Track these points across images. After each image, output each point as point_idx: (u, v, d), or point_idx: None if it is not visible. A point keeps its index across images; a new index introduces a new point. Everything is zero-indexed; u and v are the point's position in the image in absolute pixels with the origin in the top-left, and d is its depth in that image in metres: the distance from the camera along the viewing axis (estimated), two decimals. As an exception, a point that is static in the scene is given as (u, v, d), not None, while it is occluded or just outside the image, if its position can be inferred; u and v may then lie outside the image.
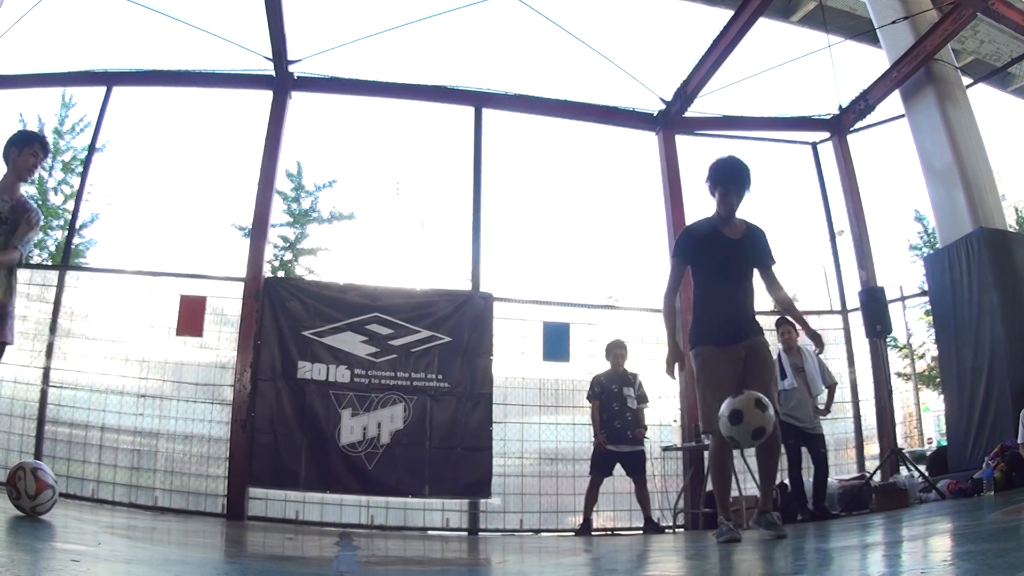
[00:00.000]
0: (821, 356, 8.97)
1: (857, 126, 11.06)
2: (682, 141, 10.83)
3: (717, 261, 5.38)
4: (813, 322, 10.58)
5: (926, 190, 9.91)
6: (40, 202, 19.21)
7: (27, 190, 5.48)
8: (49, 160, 19.57)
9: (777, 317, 9.24)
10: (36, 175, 6.00)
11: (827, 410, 8.69)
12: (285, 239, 21.00)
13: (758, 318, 5.52)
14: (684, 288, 6.42)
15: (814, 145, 11.38)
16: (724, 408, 4.86)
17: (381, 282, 9.71)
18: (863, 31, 11.48)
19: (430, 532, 8.79)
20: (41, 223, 5.46)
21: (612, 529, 9.11)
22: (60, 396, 8.48)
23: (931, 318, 10.97)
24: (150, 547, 4.50)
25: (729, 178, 5.37)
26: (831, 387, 8.73)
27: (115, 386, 8.65)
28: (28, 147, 5.29)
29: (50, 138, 19.59)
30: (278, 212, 20.29)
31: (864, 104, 10.62)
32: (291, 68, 9.70)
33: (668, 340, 5.67)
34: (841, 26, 12.50)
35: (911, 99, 10.05)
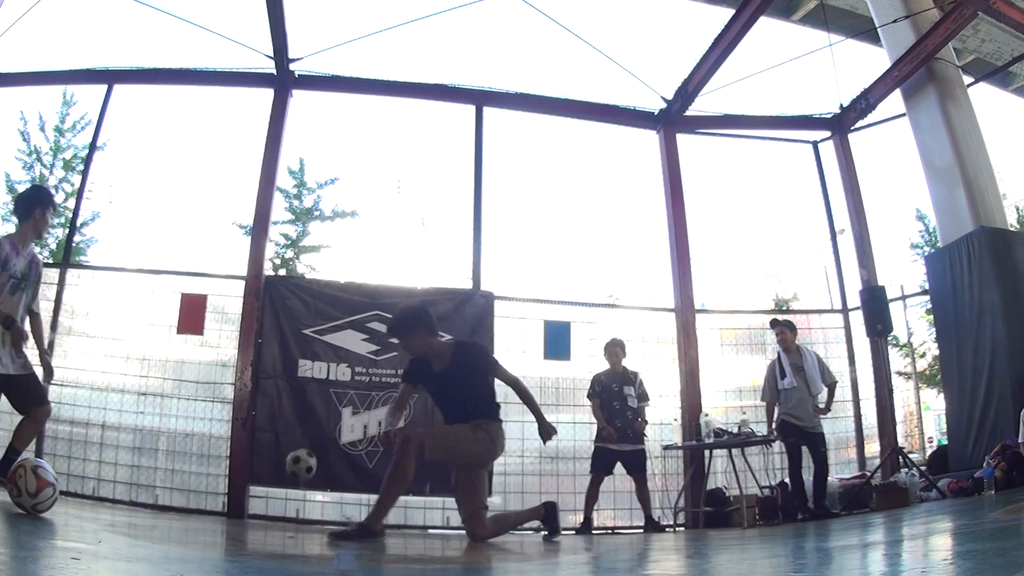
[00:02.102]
0: (821, 355, 9.02)
1: (858, 125, 11.06)
2: (683, 140, 10.84)
3: (432, 390, 6.21)
4: (814, 321, 10.70)
5: (927, 189, 9.91)
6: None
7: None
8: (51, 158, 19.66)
9: (771, 319, 9.28)
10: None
11: (827, 409, 8.68)
12: (287, 236, 20.99)
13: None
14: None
15: (815, 144, 11.38)
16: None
17: (382, 280, 9.72)
18: (864, 30, 11.48)
19: (430, 530, 8.78)
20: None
21: (613, 528, 9.11)
22: (61, 394, 8.47)
23: (932, 317, 10.96)
24: (151, 545, 4.49)
25: (391, 335, 6.26)
26: (831, 386, 8.72)
27: (116, 384, 8.65)
28: (52, 208, 5.82)
29: (51, 136, 19.64)
30: (280, 210, 20.29)
31: (865, 103, 10.62)
32: (292, 66, 9.70)
33: None
34: (842, 25, 12.49)
35: (912, 98, 10.05)
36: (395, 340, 6.25)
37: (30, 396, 5.53)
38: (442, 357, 5.93)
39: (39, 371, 5.71)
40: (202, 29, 9.67)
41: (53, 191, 6.49)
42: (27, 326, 5.67)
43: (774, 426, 8.70)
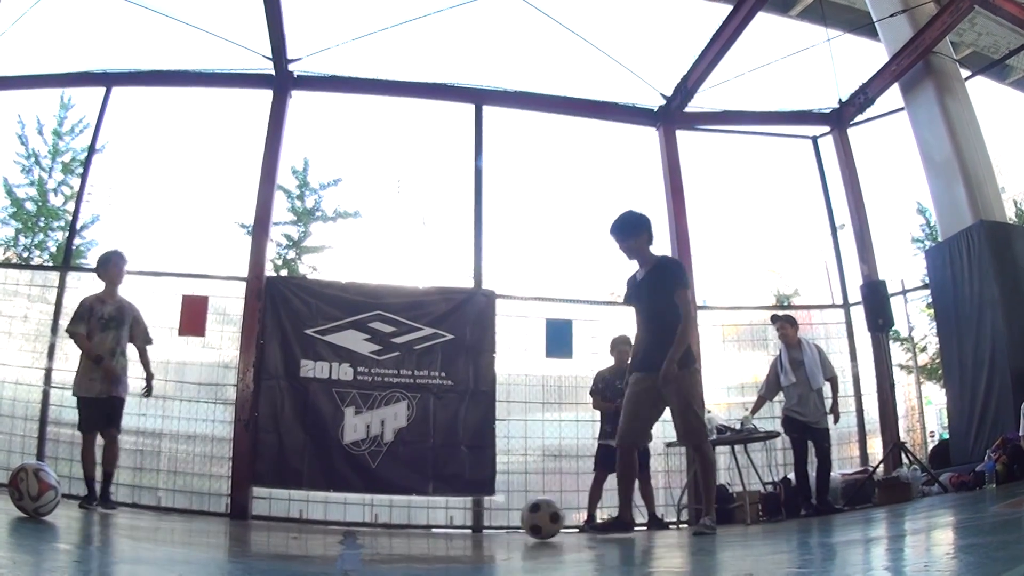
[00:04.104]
0: (823, 349, 9.01)
1: (857, 120, 11.06)
2: (683, 136, 10.83)
3: (635, 301, 6.37)
4: (815, 316, 10.70)
5: (926, 183, 9.92)
6: (40, 203, 19.23)
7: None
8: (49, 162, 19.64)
9: (771, 314, 9.27)
10: (120, 281, 7.58)
11: (834, 411, 8.62)
12: (289, 237, 20.97)
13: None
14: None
15: (814, 139, 11.39)
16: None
17: (383, 280, 9.72)
18: (862, 24, 11.47)
19: (434, 530, 8.79)
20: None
21: (616, 525, 9.10)
22: (62, 397, 8.45)
23: (932, 311, 10.96)
24: (154, 547, 4.50)
25: (612, 235, 6.33)
26: (831, 380, 8.69)
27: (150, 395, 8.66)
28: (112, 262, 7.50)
29: (49, 139, 19.60)
30: (282, 210, 20.27)
31: (864, 97, 10.62)
32: (291, 67, 9.69)
33: None
34: (840, 20, 12.50)
35: (910, 92, 10.06)
36: (617, 240, 6.29)
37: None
38: (647, 265, 6.28)
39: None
40: (200, 31, 9.66)
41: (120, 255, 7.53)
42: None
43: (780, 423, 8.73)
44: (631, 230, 6.25)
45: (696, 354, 6.63)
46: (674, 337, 5.89)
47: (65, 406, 8.47)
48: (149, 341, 7.55)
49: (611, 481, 8.54)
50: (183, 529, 6.36)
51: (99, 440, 7.14)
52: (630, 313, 6.55)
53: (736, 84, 10.71)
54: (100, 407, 7.06)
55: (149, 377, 7.44)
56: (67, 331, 7.30)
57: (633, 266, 6.37)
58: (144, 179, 28.11)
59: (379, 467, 8.60)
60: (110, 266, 7.47)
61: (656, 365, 5.86)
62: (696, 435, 6.10)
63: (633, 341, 6.65)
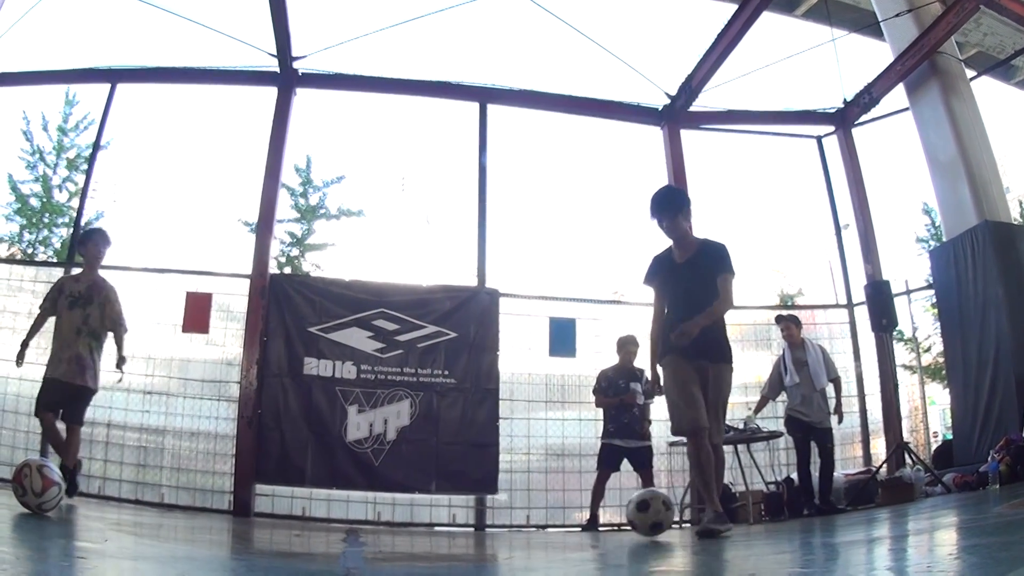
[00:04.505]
0: (827, 349, 9.01)
1: (862, 119, 11.05)
2: (687, 135, 10.80)
3: (671, 285, 5.83)
4: (819, 316, 10.69)
5: (931, 183, 9.90)
6: (44, 199, 19.25)
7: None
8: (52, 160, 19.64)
9: (776, 314, 9.26)
10: (99, 261, 7.32)
11: (838, 411, 8.62)
12: (292, 235, 20.98)
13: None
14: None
15: (819, 139, 11.38)
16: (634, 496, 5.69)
17: (387, 278, 9.73)
18: (867, 24, 11.45)
19: (437, 528, 8.80)
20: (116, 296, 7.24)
21: (619, 524, 9.09)
22: (66, 393, 8.50)
23: (936, 311, 10.95)
24: (157, 544, 4.51)
25: (653, 211, 5.81)
26: (834, 381, 8.69)
27: (121, 383, 8.66)
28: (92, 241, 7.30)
29: (54, 135, 19.62)
30: (285, 208, 20.28)
31: (868, 97, 10.61)
32: (295, 65, 9.69)
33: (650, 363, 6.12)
34: (845, 19, 12.48)
35: (915, 92, 10.04)
36: (658, 217, 5.77)
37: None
38: (689, 247, 5.78)
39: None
40: (205, 28, 9.67)
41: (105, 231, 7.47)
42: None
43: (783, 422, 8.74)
44: (675, 205, 5.83)
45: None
46: (721, 323, 5.68)
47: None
48: (120, 327, 7.13)
49: (614, 480, 8.58)
50: (186, 526, 6.37)
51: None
52: (638, 309, 6.44)
53: (741, 83, 10.72)
54: (60, 390, 6.70)
55: (120, 360, 7.03)
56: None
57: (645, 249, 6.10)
58: (149, 176, 28.13)
59: (382, 465, 8.61)
60: (89, 244, 7.29)
61: (709, 356, 5.54)
62: (722, 434, 5.68)
63: (650, 327, 6.12)
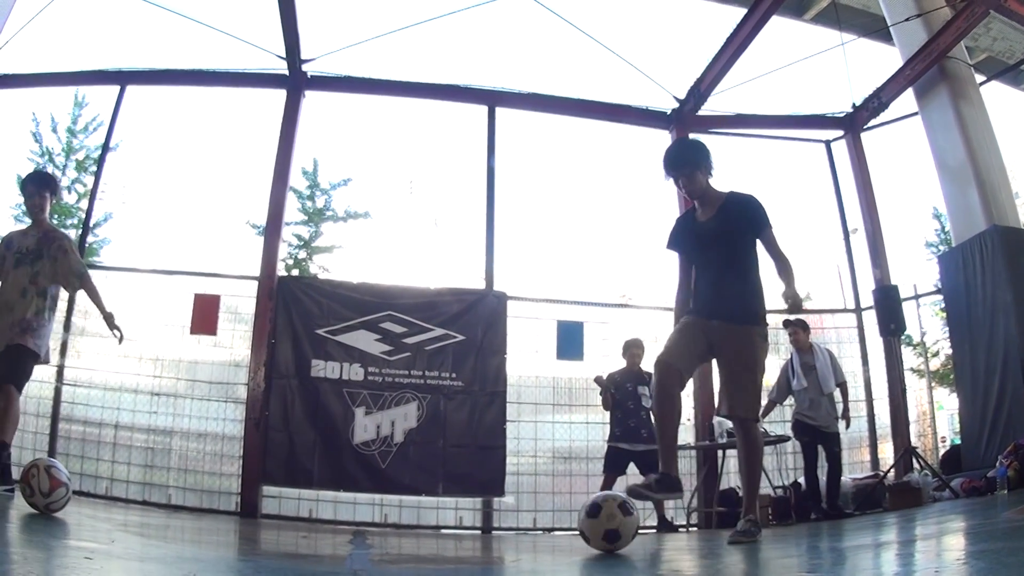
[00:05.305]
0: (834, 354, 8.99)
1: (871, 124, 11.02)
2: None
3: (696, 248, 5.24)
4: (827, 320, 10.66)
5: (940, 188, 9.87)
6: (54, 202, 19.27)
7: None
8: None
9: (783, 319, 9.21)
10: (40, 210, 6.39)
11: (846, 415, 8.62)
12: (300, 237, 21.03)
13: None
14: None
15: (828, 143, 11.34)
16: (587, 500, 4.58)
17: (395, 280, 9.74)
18: (876, 29, 11.43)
19: (443, 531, 8.80)
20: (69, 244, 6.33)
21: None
22: (74, 394, 8.53)
23: (945, 316, 10.92)
24: (164, 545, 4.51)
25: (667, 168, 5.22)
26: (841, 385, 8.68)
27: (129, 384, 8.69)
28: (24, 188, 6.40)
29: (63, 137, 19.70)
30: (293, 211, 20.34)
31: (878, 102, 10.59)
32: (304, 67, 9.72)
33: None
34: (854, 23, 12.44)
35: (925, 97, 10.01)
36: (674, 173, 5.16)
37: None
38: (714, 203, 5.16)
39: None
40: (214, 30, 9.70)
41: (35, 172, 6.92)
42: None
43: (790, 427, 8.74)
44: (692, 160, 5.14)
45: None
46: (755, 285, 5.02)
47: (77, 403, 8.53)
48: (79, 279, 6.19)
49: (620, 485, 8.55)
50: (193, 527, 6.38)
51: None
52: (645, 312, 6.35)
53: (749, 88, 10.70)
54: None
55: (108, 318, 6.11)
56: None
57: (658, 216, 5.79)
58: (157, 178, 28.21)
59: (389, 467, 8.61)
60: (24, 194, 6.42)
61: (722, 314, 4.94)
62: (749, 407, 4.95)
63: (676, 294, 5.43)
